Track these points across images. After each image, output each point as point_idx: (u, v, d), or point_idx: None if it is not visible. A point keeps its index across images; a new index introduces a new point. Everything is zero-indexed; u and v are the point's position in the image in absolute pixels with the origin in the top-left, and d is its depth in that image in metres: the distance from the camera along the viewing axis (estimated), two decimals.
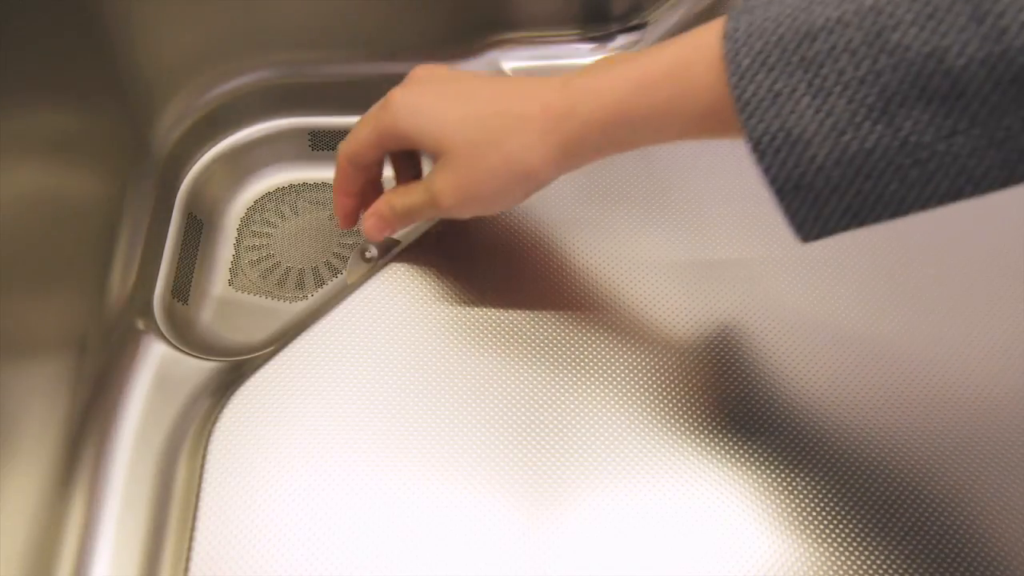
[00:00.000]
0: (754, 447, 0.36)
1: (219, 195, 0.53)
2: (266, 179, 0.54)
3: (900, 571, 0.34)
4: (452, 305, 0.41)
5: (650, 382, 0.38)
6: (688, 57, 0.29)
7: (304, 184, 0.54)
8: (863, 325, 0.40)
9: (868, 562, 0.34)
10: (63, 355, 0.37)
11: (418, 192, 0.37)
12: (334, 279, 0.50)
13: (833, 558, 0.34)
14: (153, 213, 0.47)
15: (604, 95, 0.31)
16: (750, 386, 0.38)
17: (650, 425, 0.37)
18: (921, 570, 0.34)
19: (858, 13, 0.25)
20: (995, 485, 0.36)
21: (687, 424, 0.37)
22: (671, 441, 0.37)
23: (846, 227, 0.28)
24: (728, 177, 0.45)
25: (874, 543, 0.34)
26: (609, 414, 0.37)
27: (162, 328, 0.44)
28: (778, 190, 0.27)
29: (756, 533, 0.34)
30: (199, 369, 0.41)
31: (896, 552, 0.34)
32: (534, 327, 0.40)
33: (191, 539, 0.34)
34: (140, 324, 0.42)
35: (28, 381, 0.33)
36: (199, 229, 0.51)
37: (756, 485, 0.36)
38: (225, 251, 0.51)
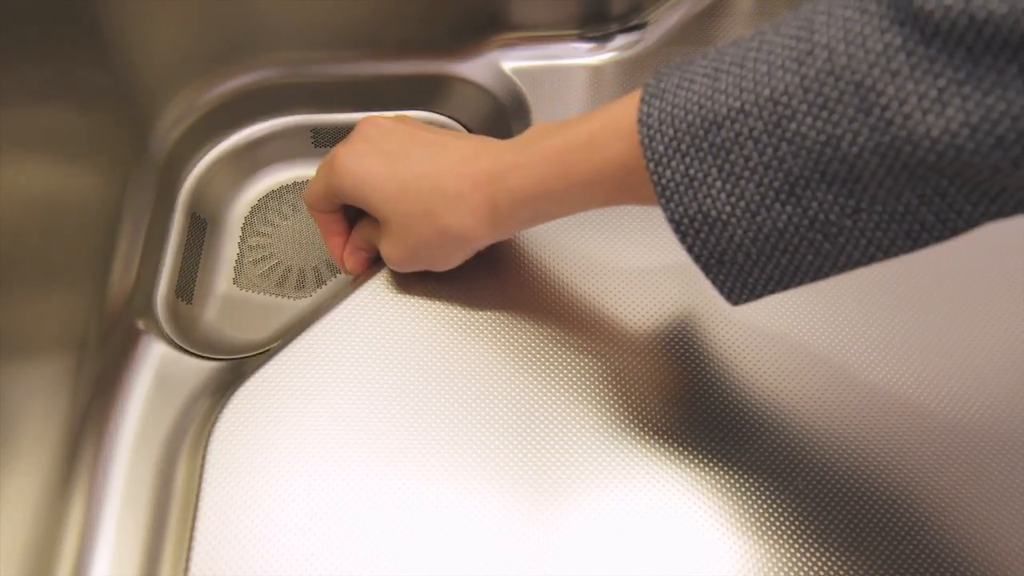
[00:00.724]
0: (754, 448, 0.36)
1: (222, 194, 0.53)
2: (269, 177, 0.55)
3: (901, 570, 0.34)
4: (452, 305, 0.41)
5: (650, 382, 0.38)
6: (603, 130, 0.31)
7: (307, 181, 0.54)
8: (860, 326, 0.40)
9: (869, 561, 0.34)
10: (63, 355, 0.37)
11: (375, 235, 0.39)
12: (334, 279, 0.50)
13: (832, 559, 0.34)
14: (154, 213, 0.48)
15: (528, 171, 0.33)
16: (751, 389, 0.38)
17: (650, 426, 0.37)
18: (924, 568, 0.34)
19: (757, 103, 0.26)
20: (994, 486, 0.36)
21: (687, 425, 0.37)
22: (671, 442, 0.37)
23: (772, 291, 0.29)
24: None
25: (877, 546, 0.34)
26: (609, 414, 0.37)
27: (165, 327, 0.44)
28: (703, 265, 0.29)
29: (756, 533, 0.34)
30: (199, 369, 0.41)
31: (894, 556, 0.34)
32: (535, 326, 0.40)
33: (191, 539, 0.34)
34: (140, 324, 0.42)
35: (28, 381, 0.33)
36: (203, 228, 0.51)
37: (756, 485, 0.36)
38: (228, 250, 0.51)
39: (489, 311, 0.40)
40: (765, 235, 0.27)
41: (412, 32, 0.52)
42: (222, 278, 0.50)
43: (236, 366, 0.41)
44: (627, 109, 0.30)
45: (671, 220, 0.29)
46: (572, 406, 0.38)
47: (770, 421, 0.37)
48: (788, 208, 0.27)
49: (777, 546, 0.34)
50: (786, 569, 0.34)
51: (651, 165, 0.28)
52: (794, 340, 0.40)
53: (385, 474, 0.36)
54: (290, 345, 0.39)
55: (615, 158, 0.30)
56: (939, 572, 0.34)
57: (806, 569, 0.34)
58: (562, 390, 0.38)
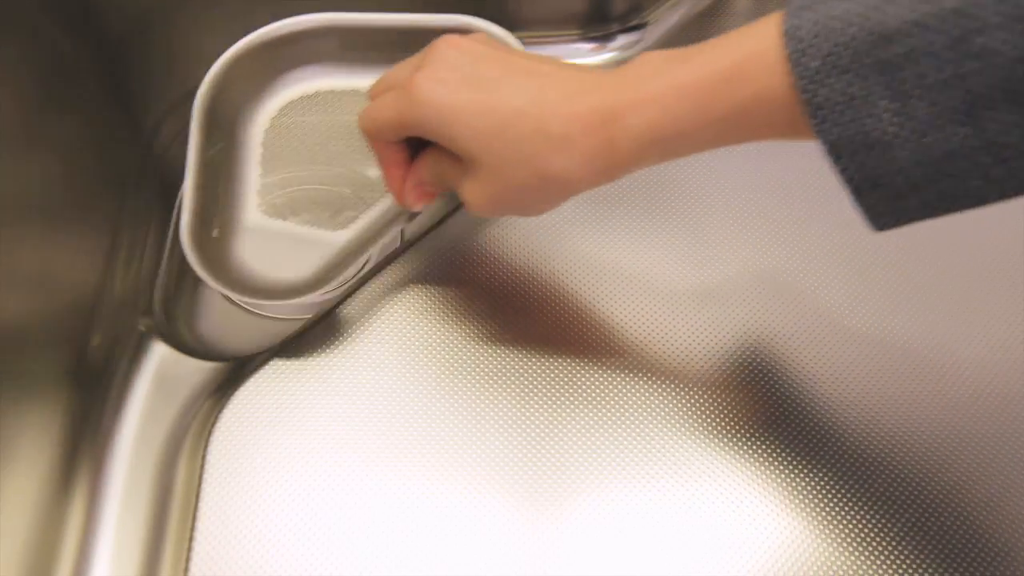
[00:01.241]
0: (754, 448, 0.36)
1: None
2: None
3: (901, 568, 0.34)
4: (453, 305, 0.41)
5: (650, 382, 0.38)
6: (746, 60, 0.28)
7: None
8: (867, 322, 0.40)
9: (869, 560, 0.34)
10: (63, 355, 0.37)
11: (452, 172, 0.34)
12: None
13: (833, 557, 0.34)
14: (154, 213, 0.47)
15: (654, 108, 0.29)
16: (751, 386, 0.38)
17: (650, 426, 0.37)
18: (925, 565, 0.34)
19: (938, 16, 0.24)
20: (1004, 479, 0.36)
21: (686, 425, 0.37)
22: (671, 442, 0.37)
23: (924, 217, 0.27)
24: (730, 171, 0.45)
25: (879, 540, 0.34)
26: (610, 414, 0.37)
27: (162, 328, 0.44)
28: (855, 189, 0.27)
29: (756, 534, 0.34)
30: (199, 369, 0.41)
31: (899, 549, 0.34)
32: (536, 326, 0.40)
33: (191, 539, 0.34)
34: (140, 324, 0.42)
35: (28, 381, 0.33)
36: None
37: (756, 486, 0.35)
38: None
39: (490, 310, 0.40)
40: (932, 158, 0.25)
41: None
42: None
43: (236, 366, 0.41)
44: (768, 27, 0.28)
45: (826, 142, 0.26)
46: (572, 406, 0.38)
47: (773, 420, 0.37)
48: (964, 129, 0.25)
49: (777, 546, 0.34)
50: (785, 569, 0.34)
51: (802, 83, 0.26)
52: (794, 337, 0.40)
53: (385, 474, 0.36)
54: (290, 345, 0.39)
55: (763, 92, 0.27)
56: (942, 568, 0.34)
57: (805, 569, 0.34)
58: (563, 390, 0.38)
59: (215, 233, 0.42)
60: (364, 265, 0.41)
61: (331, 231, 0.43)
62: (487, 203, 0.33)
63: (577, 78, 0.31)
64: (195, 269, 0.39)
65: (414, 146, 0.36)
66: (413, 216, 0.41)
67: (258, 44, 0.44)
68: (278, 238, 0.43)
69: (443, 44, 0.33)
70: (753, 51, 0.28)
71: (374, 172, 0.44)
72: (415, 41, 0.38)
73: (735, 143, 0.29)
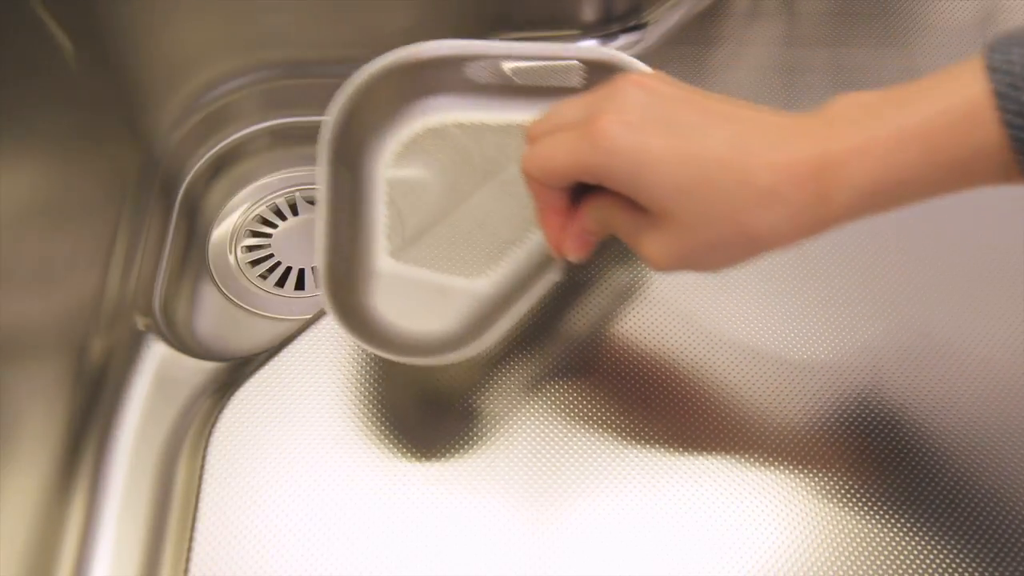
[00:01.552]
0: (754, 448, 0.36)
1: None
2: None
3: (901, 569, 0.34)
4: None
5: (649, 383, 0.38)
6: (969, 103, 0.25)
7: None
8: (867, 324, 0.40)
9: (870, 561, 0.34)
10: (63, 355, 0.37)
11: (629, 224, 0.31)
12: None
13: (831, 562, 0.34)
14: (153, 213, 0.48)
15: (873, 156, 0.26)
16: (750, 387, 0.38)
17: (650, 426, 0.37)
18: (925, 566, 0.34)
19: None
20: (1005, 480, 0.36)
21: (685, 426, 0.37)
22: (669, 443, 0.37)
23: None
24: None
25: (879, 541, 0.34)
26: (610, 414, 0.37)
27: (162, 328, 0.44)
28: None
29: (756, 534, 0.34)
30: (199, 369, 0.41)
31: (899, 550, 0.34)
32: (536, 326, 0.40)
33: (191, 539, 0.34)
34: (140, 324, 0.42)
35: (28, 381, 0.34)
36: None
37: (756, 486, 0.36)
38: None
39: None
40: None
41: (411, 33, 0.52)
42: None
43: (236, 366, 0.41)
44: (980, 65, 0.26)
45: None
46: (573, 406, 0.38)
47: (772, 421, 0.37)
48: None
49: (777, 546, 0.34)
50: (785, 569, 0.34)
51: (1013, 131, 0.24)
52: (789, 347, 0.40)
53: (385, 474, 0.36)
54: (290, 345, 0.39)
55: (984, 128, 0.25)
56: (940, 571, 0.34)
57: (805, 570, 0.34)
58: (562, 390, 0.38)
59: (346, 279, 0.38)
60: (517, 318, 0.35)
61: (468, 278, 0.39)
62: (673, 259, 0.30)
63: (779, 123, 0.28)
64: (337, 323, 0.34)
65: (574, 190, 0.32)
66: (568, 266, 0.36)
67: (381, 72, 0.40)
68: (412, 285, 0.39)
69: (627, 84, 0.30)
70: (967, 91, 0.25)
71: (512, 215, 0.40)
72: (546, 71, 0.38)
73: (950, 192, 0.27)
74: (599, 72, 0.40)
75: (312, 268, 0.46)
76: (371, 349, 0.35)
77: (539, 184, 0.32)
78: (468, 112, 0.43)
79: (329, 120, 0.39)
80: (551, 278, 0.36)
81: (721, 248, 0.29)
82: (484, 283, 0.39)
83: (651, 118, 0.28)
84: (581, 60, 0.41)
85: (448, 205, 0.41)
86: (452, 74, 0.41)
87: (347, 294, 0.37)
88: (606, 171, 0.29)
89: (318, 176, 0.37)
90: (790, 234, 0.28)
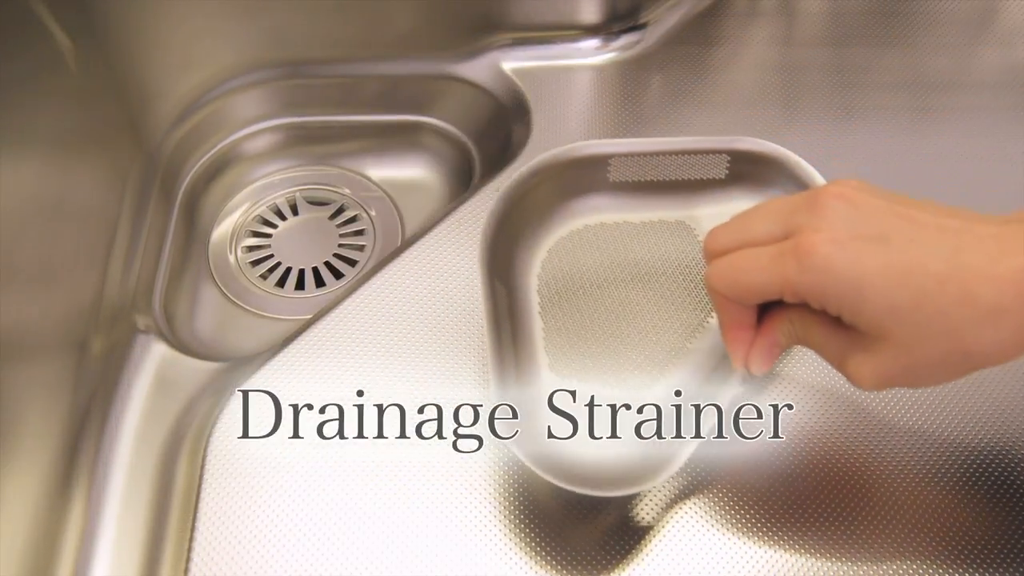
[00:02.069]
0: (754, 447, 0.36)
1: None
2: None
3: (901, 569, 0.34)
4: (452, 304, 0.41)
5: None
6: None
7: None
8: None
9: (869, 561, 0.34)
10: (63, 355, 0.37)
11: (833, 342, 0.30)
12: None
13: (828, 566, 0.34)
14: (153, 213, 0.48)
15: None
16: (750, 387, 0.38)
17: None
18: (924, 566, 0.34)
19: None
20: (1005, 481, 0.36)
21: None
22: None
23: None
24: None
25: (878, 542, 0.34)
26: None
27: (162, 328, 0.44)
28: None
29: (756, 534, 0.34)
30: (199, 369, 0.41)
31: (898, 551, 0.34)
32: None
33: (191, 539, 0.34)
34: (140, 324, 0.42)
35: (28, 381, 0.34)
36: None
37: (756, 485, 0.36)
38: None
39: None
40: None
41: (411, 33, 0.52)
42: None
43: (236, 366, 0.41)
44: None
45: None
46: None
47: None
48: None
49: (776, 546, 0.34)
50: (786, 568, 0.34)
51: None
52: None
53: (386, 474, 0.36)
54: (290, 345, 0.39)
55: None
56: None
57: (805, 570, 0.34)
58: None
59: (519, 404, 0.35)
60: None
61: (636, 391, 0.37)
62: (885, 378, 0.29)
63: (995, 234, 0.27)
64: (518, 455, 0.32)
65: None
66: (750, 379, 0.34)
67: (528, 175, 0.39)
68: (578, 406, 0.37)
69: (828, 198, 0.28)
70: None
71: (673, 320, 0.39)
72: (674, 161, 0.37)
73: None
74: (743, 162, 0.40)
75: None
76: (568, 487, 0.32)
77: (726, 300, 0.31)
78: (609, 212, 0.42)
79: (485, 226, 0.37)
80: (731, 391, 0.34)
81: (940, 366, 0.28)
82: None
83: (860, 235, 0.27)
84: (731, 152, 0.40)
85: (603, 311, 0.39)
86: (593, 173, 0.41)
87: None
88: (820, 293, 0.28)
89: (481, 289, 0.36)
90: (1011, 350, 0.27)
